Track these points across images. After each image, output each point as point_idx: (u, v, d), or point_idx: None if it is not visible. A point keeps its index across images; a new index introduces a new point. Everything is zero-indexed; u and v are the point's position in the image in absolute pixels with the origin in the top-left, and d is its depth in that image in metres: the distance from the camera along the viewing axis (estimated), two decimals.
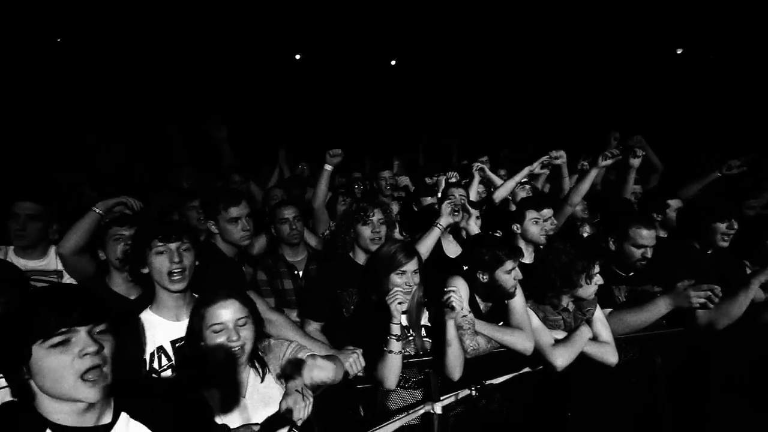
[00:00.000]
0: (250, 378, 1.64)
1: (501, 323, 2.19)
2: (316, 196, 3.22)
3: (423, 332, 2.10)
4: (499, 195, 3.48)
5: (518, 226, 2.70)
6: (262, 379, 1.64)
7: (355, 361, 1.89)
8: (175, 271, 1.66)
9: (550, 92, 8.55)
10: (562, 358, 2.09)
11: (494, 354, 2.13)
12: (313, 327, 2.27)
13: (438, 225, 2.51)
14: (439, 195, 3.51)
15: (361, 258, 2.38)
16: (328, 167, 3.17)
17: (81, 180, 3.87)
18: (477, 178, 3.73)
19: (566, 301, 2.22)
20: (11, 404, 1.08)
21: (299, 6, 7.82)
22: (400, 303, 1.85)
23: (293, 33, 8.70)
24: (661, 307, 2.22)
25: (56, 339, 0.99)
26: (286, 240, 2.74)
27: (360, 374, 1.95)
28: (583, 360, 2.16)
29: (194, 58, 8.21)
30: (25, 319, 1.00)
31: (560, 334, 2.20)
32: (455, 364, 1.96)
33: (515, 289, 2.11)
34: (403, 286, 1.93)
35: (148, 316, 1.72)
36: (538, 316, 2.18)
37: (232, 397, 1.60)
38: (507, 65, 8.64)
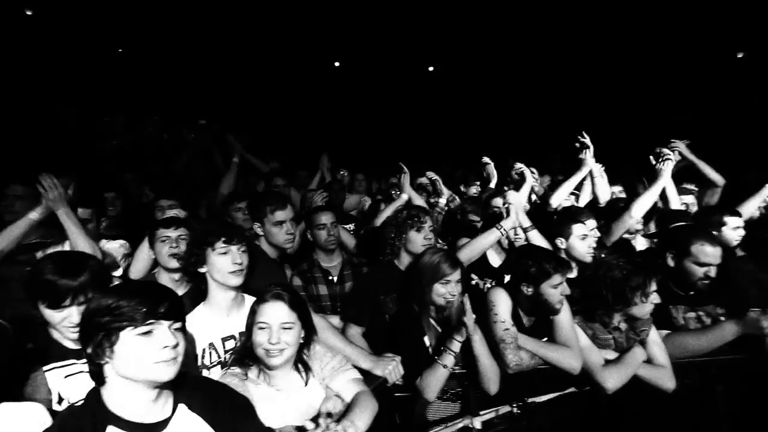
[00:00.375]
0: (293, 381, 1.66)
1: (545, 339, 2.10)
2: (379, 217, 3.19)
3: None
4: (556, 200, 3.30)
5: (562, 240, 2.57)
6: (306, 383, 1.66)
7: (394, 369, 1.88)
8: (236, 270, 1.75)
9: (596, 99, 8.23)
10: (613, 380, 1.96)
11: (538, 371, 2.04)
12: (355, 331, 2.28)
13: (500, 228, 2.40)
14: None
15: (405, 264, 2.37)
16: (404, 197, 3.25)
17: (142, 180, 4.12)
18: (530, 181, 3.54)
19: (618, 320, 2.10)
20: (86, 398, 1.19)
21: (338, 15, 8.00)
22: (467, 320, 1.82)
23: (333, 41, 8.90)
24: (727, 333, 2.06)
25: (143, 329, 1.12)
26: (323, 246, 2.73)
27: (398, 382, 1.94)
28: (635, 384, 2.02)
29: (237, 66, 8.58)
30: (117, 308, 1.11)
31: (611, 355, 2.08)
32: (489, 378, 1.91)
33: (561, 304, 2.02)
34: (446, 295, 1.90)
35: (200, 313, 1.79)
36: (586, 334, 2.07)
37: (272, 398, 1.62)
38: (550, 70, 8.39)
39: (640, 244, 3.25)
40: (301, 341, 1.64)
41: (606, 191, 3.46)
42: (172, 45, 8.25)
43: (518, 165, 3.58)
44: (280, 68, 9.09)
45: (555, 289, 1.96)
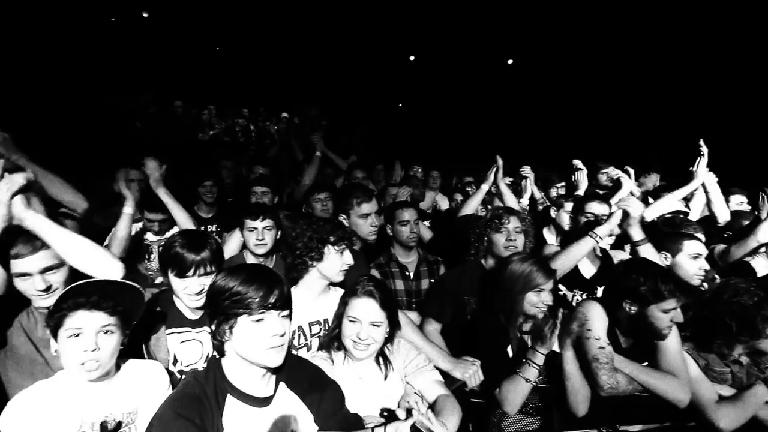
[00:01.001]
0: (374, 373, 1.68)
1: (645, 364, 1.90)
2: (465, 211, 3.18)
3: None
4: (653, 214, 2.96)
5: (667, 256, 2.29)
6: (385, 377, 1.68)
7: (474, 374, 1.83)
8: (346, 269, 1.85)
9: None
10: (727, 419, 1.72)
11: (632, 398, 1.85)
12: (433, 327, 2.26)
13: (595, 236, 2.20)
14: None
15: (491, 266, 2.30)
16: (484, 187, 3.18)
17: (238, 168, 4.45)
18: (628, 187, 3.22)
19: (740, 352, 1.83)
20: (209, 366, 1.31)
21: (414, 9, 7.93)
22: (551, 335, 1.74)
23: (409, 35, 8.86)
24: None
25: (257, 316, 1.21)
26: (404, 242, 2.72)
27: (476, 388, 1.88)
28: (754, 426, 1.76)
29: (317, 62, 8.93)
30: (236, 294, 1.21)
31: (726, 390, 1.82)
32: (577, 400, 1.78)
33: (670, 330, 1.80)
34: (539, 305, 1.79)
35: (293, 297, 1.88)
36: (698, 364, 1.83)
37: (355, 385, 1.66)
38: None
39: (762, 266, 2.80)
40: (386, 336, 1.66)
41: (724, 209, 3.01)
42: (262, 44, 8.84)
43: (614, 171, 3.26)
44: (357, 63, 9.29)
45: (665, 314, 1.75)
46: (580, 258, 2.22)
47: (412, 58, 9.92)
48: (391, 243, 2.77)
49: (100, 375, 1.31)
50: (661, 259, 2.28)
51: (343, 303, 1.67)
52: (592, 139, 6.82)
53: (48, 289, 1.50)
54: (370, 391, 1.65)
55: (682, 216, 2.85)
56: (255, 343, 1.21)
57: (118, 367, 1.40)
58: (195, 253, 1.60)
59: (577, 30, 7.57)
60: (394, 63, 9.71)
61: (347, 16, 8.28)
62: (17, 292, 1.53)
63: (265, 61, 9.30)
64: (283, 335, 1.24)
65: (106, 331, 1.30)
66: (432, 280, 2.70)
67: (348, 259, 1.85)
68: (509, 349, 1.94)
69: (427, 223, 3.56)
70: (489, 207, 3.64)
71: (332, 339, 1.69)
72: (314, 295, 1.88)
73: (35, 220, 1.42)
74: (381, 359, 1.70)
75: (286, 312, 1.27)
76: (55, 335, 1.28)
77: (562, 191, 3.84)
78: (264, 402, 1.28)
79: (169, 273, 1.63)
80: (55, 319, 1.27)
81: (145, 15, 8.77)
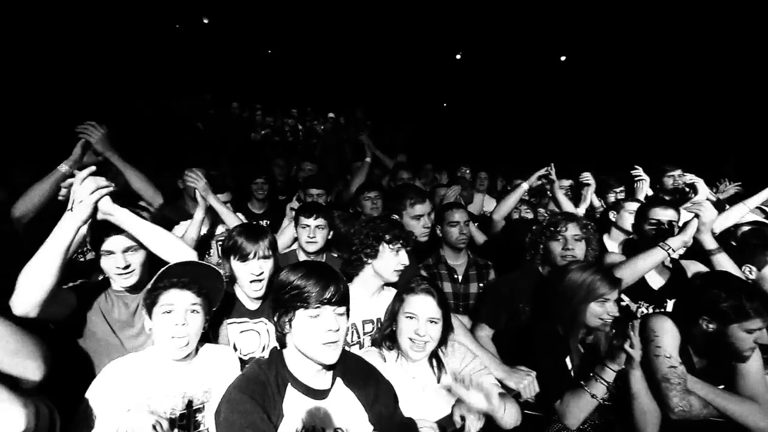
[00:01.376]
0: (427, 374, 1.67)
1: (721, 387, 1.74)
2: (501, 208, 3.14)
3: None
4: (722, 224, 2.74)
5: (752, 269, 2.09)
6: (438, 380, 1.66)
7: (529, 385, 1.76)
8: (402, 269, 1.88)
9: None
10: None
11: (709, 423, 1.70)
12: (485, 333, 2.21)
13: (666, 247, 2.05)
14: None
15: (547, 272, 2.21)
16: (524, 186, 3.08)
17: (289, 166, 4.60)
18: (704, 193, 3.00)
19: None
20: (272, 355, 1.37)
21: (461, 7, 7.75)
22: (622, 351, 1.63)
23: (456, 33, 8.69)
24: None
25: (312, 312, 1.25)
26: (453, 243, 2.68)
27: (530, 399, 1.81)
28: None
29: (362, 63, 9.02)
30: (296, 288, 1.27)
31: None
32: (645, 421, 1.65)
33: (752, 351, 1.63)
34: (603, 316, 1.69)
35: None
36: None
37: (407, 385, 1.65)
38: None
39: None
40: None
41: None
42: (310, 47, 9.08)
43: (684, 175, 3.02)
44: (403, 62, 9.27)
45: (749, 334, 1.59)
46: (648, 271, 2.07)
47: (458, 56, 9.75)
48: (440, 244, 2.73)
49: (187, 353, 1.44)
50: (744, 272, 2.09)
51: (399, 300, 1.67)
52: (654, 141, 6.33)
53: (127, 268, 1.65)
54: (421, 391, 1.63)
55: None
56: (311, 337, 1.26)
57: (196, 350, 1.51)
58: (253, 238, 1.77)
59: (639, 23, 7.06)
60: (439, 61, 9.59)
61: (392, 16, 8.29)
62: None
63: (313, 63, 9.56)
64: (337, 331, 1.26)
65: (193, 311, 1.44)
66: (481, 285, 2.64)
67: (403, 258, 1.86)
68: (568, 361, 1.84)
69: (474, 225, 3.49)
70: (541, 211, 3.50)
71: (385, 337, 1.69)
72: (369, 294, 1.90)
73: (121, 215, 1.56)
74: (434, 360, 1.68)
75: (342, 309, 1.30)
76: (150, 313, 1.43)
77: (622, 197, 3.59)
78: (321, 394, 1.31)
79: (232, 259, 1.77)
80: (152, 296, 1.42)
81: (205, 21, 9.30)
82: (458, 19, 8.29)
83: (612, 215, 3.07)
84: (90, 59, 6.28)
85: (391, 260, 1.85)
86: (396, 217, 2.36)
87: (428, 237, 2.35)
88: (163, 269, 1.46)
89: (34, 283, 1.35)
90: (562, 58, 8.82)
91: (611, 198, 3.84)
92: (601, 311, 1.72)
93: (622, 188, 3.78)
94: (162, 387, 1.42)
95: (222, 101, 7.72)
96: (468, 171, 4.68)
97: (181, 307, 1.42)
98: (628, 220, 2.84)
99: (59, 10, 5.64)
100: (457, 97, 9.42)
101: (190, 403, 1.44)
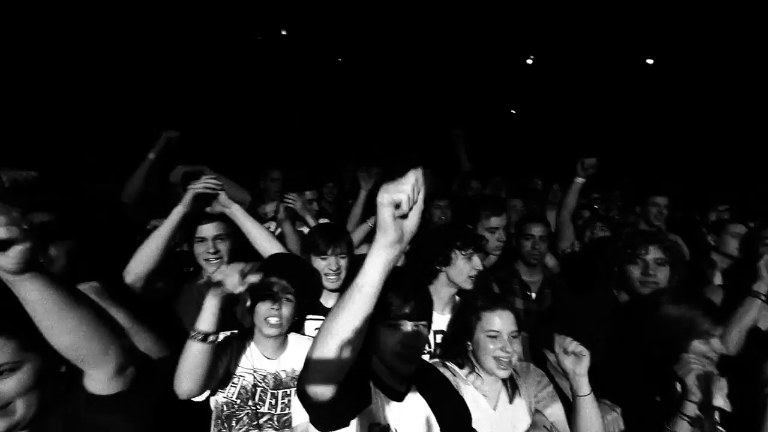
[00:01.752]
0: (499, 393, 1.61)
1: None
2: (564, 206, 2.94)
3: (716, 415, 1.60)
4: None
5: None
6: (511, 400, 1.59)
7: (614, 421, 1.63)
8: (474, 276, 1.87)
9: None
10: None
11: None
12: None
13: (760, 296, 1.87)
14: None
15: (624, 298, 2.03)
16: (579, 180, 2.86)
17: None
18: None
19: None
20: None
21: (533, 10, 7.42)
22: (696, 374, 1.47)
23: (527, 37, 8.35)
24: None
25: (391, 322, 1.27)
26: (525, 257, 2.58)
27: None
28: None
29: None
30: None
31: None
32: None
33: None
34: (710, 354, 1.52)
35: None
36: None
37: (479, 403, 1.61)
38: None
39: None
40: None
41: None
42: (377, 53, 9.27)
43: None
44: (470, 68, 9.11)
45: None
46: (752, 324, 1.83)
47: (529, 60, 9.37)
48: (515, 258, 2.64)
49: (279, 333, 1.60)
50: None
51: (476, 317, 1.60)
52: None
53: (216, 253, 1.87)
54: (496, 411, 1.58)
55: None
56: (387, 347, 1.27)
57: (285, 338, 1.67)
58: (330, 236, 1.94)
59: (735, 19, 6.26)
60: (508, 67, 9.29)
61: (459, 19, 8.17)
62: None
63: (381, 68, 9.74)
64: (413, 347, 1.26)
65: (287, 299, 1.59)
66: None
67: (477, 264, 1.84)
68: (657, 399, 1.67)
69: None
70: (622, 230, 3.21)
71: (454, 353, 1.65)
72: (442, 304, 1.88)
73: (235, 210, 1.86)
74: (507, 380, 1.62)
75: (424, 323, 1.30)
76: (254, 299, 1.59)
77: (726, 216, 3.18)
78: (399, 396, 1.32)
79: (312, 256, 1.91)
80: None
81: (283, 33, 9.89)
82: (531, 22, 7.97)
83: (711, 239, 2.74)
84: (192, 76, 6.89)
85: (464, 266, 1.83)
86: (469, 227, 2.32)
87: (501, 250, 2.28)
88: (265, 258, 1.69)
89: (145, 258, 1.67)
90: (649, 61, 8.07)
91: (713, 217, 3.42)
92: (705, 349, 1.53)
93: (726, 206, 3.36)
94: (258, 362, 1.59)
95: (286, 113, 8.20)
96: (540, 182, 4.47)
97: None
98: (732, 245, 2.53)
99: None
100: (527, 103, 9.06)
101: (281, 380, 1.61)
